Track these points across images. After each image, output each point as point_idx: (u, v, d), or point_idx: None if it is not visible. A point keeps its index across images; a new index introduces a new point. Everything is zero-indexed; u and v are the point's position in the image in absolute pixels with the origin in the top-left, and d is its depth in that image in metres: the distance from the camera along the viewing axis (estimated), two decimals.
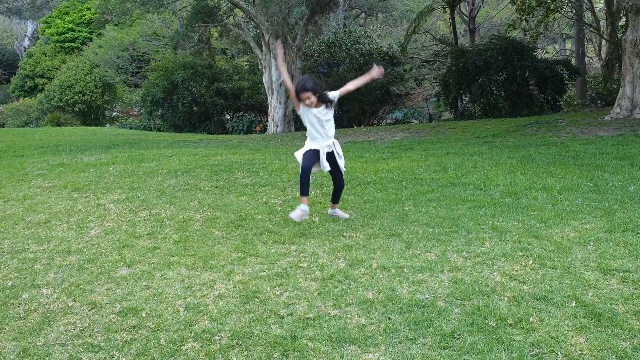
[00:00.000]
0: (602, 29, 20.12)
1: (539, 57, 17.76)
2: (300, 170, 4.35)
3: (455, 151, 8.41)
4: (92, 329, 2.89)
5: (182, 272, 3.64)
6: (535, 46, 17.97)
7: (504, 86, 16.44)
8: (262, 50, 18.03)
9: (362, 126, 19.70)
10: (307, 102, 4.22)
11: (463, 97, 18.25)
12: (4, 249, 4.40)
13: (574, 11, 19.63)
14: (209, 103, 22.16)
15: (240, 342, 2.66)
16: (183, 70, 21.77)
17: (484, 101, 16.59)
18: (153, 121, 24.25)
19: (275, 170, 7.36)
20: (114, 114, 31.09)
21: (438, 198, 5.29)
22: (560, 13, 18.32)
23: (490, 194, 5.33)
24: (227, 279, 3.48)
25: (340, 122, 20.63)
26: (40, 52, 34.90)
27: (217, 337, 2.72)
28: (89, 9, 32.94)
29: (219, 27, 19.44)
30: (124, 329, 2.86)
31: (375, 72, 4.42)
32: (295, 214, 4.27)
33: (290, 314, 2.92)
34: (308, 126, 4.38)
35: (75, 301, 3.27)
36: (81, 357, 2.62)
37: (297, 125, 19.80)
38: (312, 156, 4.37)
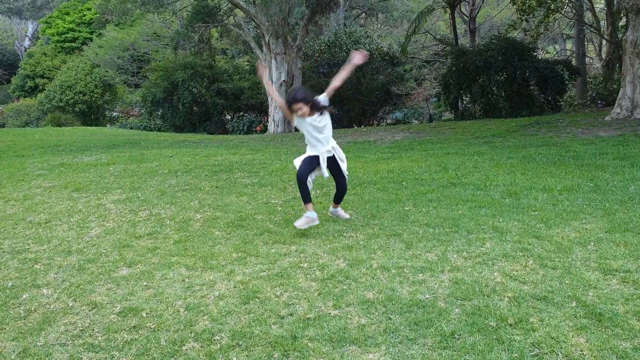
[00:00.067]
0: (602, 29, 20.12)
1: (540, 58, 17.76)
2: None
3: (455, 151, 8.41)
4: (93, 329, 2.89)
5: (183, 272, 3.65)
6: (535, 46, 17.97)
7: (504, 86, 16.44)
8: (262, 51, 18.03)
9: (362, 126, 19.70)
10: (299, 112, 4.17)
11: (463, 97, 18.25)
12: (4, 249, 4.40)
13: (574, 11, 19.63)
14: (210, 103, 22.17)
15: (241, 342, 2.67)
16: (183, 71, 21.78)
17: (484, 101, 16.59)
18: (153, 121, 24.26)
19: (276, 171, 7.36)
20: (115, 114, 31.11)
21: (438, 198, 5.29)
22: (560, 13, 18.32)
23: (491, 194, 5.33)
24: (227, 279, 3.48)
25: (341, 122, 20.63)
26: (40, 52, 34.93)
27: (217, 337, 2.72)
28: (89, 9, 32.97)
29: (219, 27, 19.45)
30: (124, 329, 2.86)
31: (357, 57, 4.31)
32: (299, 222, 4.26)
33: (290, 314, 2.92)
34: (306, 135, 4.37)
35: (75, 301, 3.27)
36: (81, 357, 2.62)
37: None
38: (310, 163, 4.35)
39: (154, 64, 25.29)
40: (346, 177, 4.57)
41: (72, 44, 34.39)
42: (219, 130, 22.60)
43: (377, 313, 2.88)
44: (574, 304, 2.84)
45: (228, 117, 24.19)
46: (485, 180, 6.01)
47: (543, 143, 8.65)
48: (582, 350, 2.41)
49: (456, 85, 17.16)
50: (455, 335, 2.59)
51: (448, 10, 20.77)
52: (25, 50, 41.37)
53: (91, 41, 31.73)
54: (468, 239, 3.97)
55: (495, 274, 3.30)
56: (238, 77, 23.44)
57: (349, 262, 3.64)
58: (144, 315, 3.02)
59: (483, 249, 3.75)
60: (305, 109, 4.17)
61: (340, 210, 4.74)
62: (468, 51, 17.55)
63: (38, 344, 2.77)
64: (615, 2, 17.28)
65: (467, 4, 22.65)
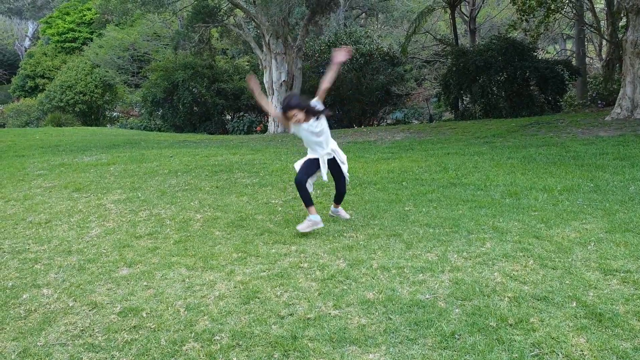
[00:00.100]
0: (602, 29, 20.11)
1: (540, 58, 17.75)
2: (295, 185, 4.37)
3: (455, 151, 8.41)
4: (93, 329, 2.89)
5: (183, 272, 3.65)
6: (535, 46, 17.96)
7: (504, 86, 16.43)
8: (262, 51, 18.03)
9: (362, 126, 19.70)
10: (295, 119, 4.14)
11: (463, 98, 18.24)
12: (4, 249, 4.40)
13: (574, 11, 19.62)
14: (210, 103, 22.17)
15: (241, 342, 2.67)
16: (184, 71, 21.77)
17: (484, 101, 16.58)
18: (153, 121, 24.26)
19: (276, 171, 7.36)
20: (115, 114, 31.11)
21: (438, 198, 5.29)
22: (560, 13, 18.32)
23: (491, 195, 5.33)
24: (227, 279, 3.48)
25: (341, 123, 20.62)
26: (40, 52, 34.93)
27: (217, 337, 2.72)
28: (89, 9, 32.97)
29: (219, 27, 19.45)
30: (124, 329, 2.86)
31: (339, 55, 4.27)
32: (303, 226, 4.26)
33: (290, 314, 2.92)
34: (304, 140, 4.38)
35: (75, 301, 3.27)
36: (82, 357, 2.62)
37: None
38: (310, 166, 4.36)
39: (154, 64, 25.29)
40: (347, 179, 4.57)
41: (73, 44, 34.39)
42: (219, 131, 22.60)
43: (377, 313, 2.88)
44: (574, 304, 2.84)
45: (228, 117, 24.19)
46: (486, 180, 6.00)
47: (543, 143, 8.65)
48: (582, 351, 2.41)
49: (456, 85, 17.16)
50: (456, 336, 2.59)
51: (448, 10, 20.77)
52: (26, 50, 41.38)
53: (91, 41, 31.73)
54: (468, 239, 3.97)
55: (495, 274, 3.30)
56: (238, 77, 23.45)
57: (349, 262, 3.64)
58: (144, 315, 3.02)
59: (483, 249, 3.75)
60: (301, 115, 4.14)
61: (341, 211, 4.75)
62: (468, 51, 17.55)
63: (38, 344, 2.77)
64: (615, 2, 17.28)
65: (467, 4, 22.64)
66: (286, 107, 4.15)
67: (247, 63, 25.95)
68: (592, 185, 5.47)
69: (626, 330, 2.56)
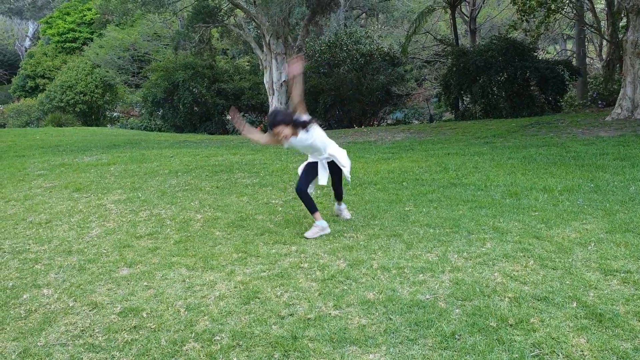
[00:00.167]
0: (603, 29, 20.10)
1: (540, 58, 17.74)
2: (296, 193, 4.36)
3: (456, 152, 8.41)
4: (93, 329, 2.89)
5: (183, 273, 3.65)
6: (536, 47, 17.95)
7: (504, 87, 16.43)
8: (262, 51, 18.04)
9: (362, 127, 19.69)
10: (282, 135, 4.09)
11: (464, 98, 18.24)
12: (5, 249, 4.40)
13: (574, 12, 19.62)
14: (210, 103, 22.18)
15: (241, 342, 2.67)
16: (184, 71, 21.79)
17: (484, 102, 16.58)
18: (154, 121, 24.27)
19: (276, 171, 7.37)
20: (115, 114, 31.13)
21: (439, 198, 5.29)
22: (561, 14, 18.31)
23: (491, 195, 5.33)
24: (227, 279, 3.48)
25: (341, 123, 20.62)
26: (41, 53, 34.96)
27: (217, 338, 2.72)
28: (89, 9, 32.99)
29: (219, 27, 19.46)
30: (124, 329, 2.86)
31: (294, 67, 4.12)
32: (310, 233, 4.25)
33: (291, 315, 2.92)
34: (302, 152, 4.42)
35: (76, 301, 3.27)
36: (82, 358, 2.62)
37: None
38: (310, 171, 4.36)
39: (154, 64, 25.31)
40: (348, 180, 4.57)
41: (73, 44, 34.42)
42: (220, 131, 22.61)
43: (377, 313, 2.88)
44: (575, 305, 2.84)
45: (229, 117, 24.18)
46: (486, 180, 6.00)
47: (543, 143, 8.65)
48: (582, 351, 2.41)
49: (457, 85, 17.16)
50: (456, 336, 2.59)
51: (448, 10, 20.76)
52: (26, 51, 41.42)
53: (92, 41, 31.76)
54: (468, 240, 3.97)
55: (495, 274, 3.30)
56: (239, 77, 23.46)
57: (349, 262, 3.64)
58: (145, 315, 3.02)
59: (483, 249, 3.75)
60: (287, 130, 4.08)
61: (344, 210, 4.75)
62: (468, 51, 17.55)
63: (38, 344, 2.77)
64: (615, 3, 17.28)
65: (467, 4, 22.64)
66: (272, 124, 4.08)
67: (247, 63, 25.97)
68: (592, 185, 5.47)
69: (626, 331, 2.56)
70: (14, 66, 40.99)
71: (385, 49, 21.84)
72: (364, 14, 31.54)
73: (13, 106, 30.58)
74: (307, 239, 4.21)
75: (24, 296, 3.39)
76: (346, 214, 4.75)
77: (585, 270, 3.28)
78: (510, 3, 17.59)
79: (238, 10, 18.69)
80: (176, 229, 4.74)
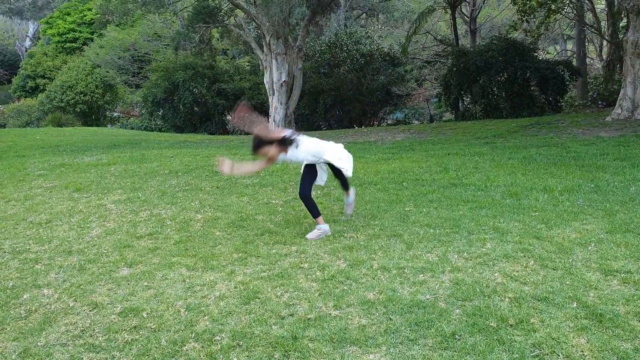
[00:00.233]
0: (603, 29, 20.10)
1: (540, 58, 17.74)
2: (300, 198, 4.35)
3: (456, 152, 8.41)
4: (93, 329, 2.89)
5: (183, 273, 3.65)
6: (536, 47, 17.95)
7: (505, 87, 16.43)
8: (263, 51, 18.03)
9: (363, 127, 19.69)
10: (270, 155, 4.11)
11: (464, 98, 18.24)
12: (5, 249, 4.40)
13: (575, 12, 19.61)
14: (210, 103, 22.17)
15: (241, 342, 2.67)
16: (184, 71, 21.78)
17: (485, 102, 16.58)
18: (154, 122, 24.26)
19: (276, 171, 7.37)
20: (115, 114, 31.12)
21: (439, 199, 5.29)
22: (561, 14, 18.31)
23: (491, 195, 5.33)
24: (228, 279, 3.48)
25: (341, 123, 20.62)
26: (41, 53, 34.96)
27: (218, 338, 2.72)
28: (90, 9, 32.99)
29: (220, 27, 19.45)
30: (125, 329, 2.87)
31: (223, 170, 4.20)
32: (312, 235, 4.27)
33: (291, 315, 2.92)
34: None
35: (76, 301, 3.27)
36: (82, 358, 2.62)
37: (298, 125, 19.81)
38: (310, 173, 4.33)
39: (154, 65, 25.30)
40: (349, 177, 4.53)
41: (73, 44, 34.42)
42: (220, 131, 22.60)
43: (377, 313, 2.88)
44: (575, 305, 2.84)
45: (229, 117, 24.18)
46: (486, 180, 6.00)
47: (544, 144, 8.65)
48: (582, 351, 2.41)
49: (457, 85, 17.16)
50: (456, 336, 2.59)
51: (449, 10, 20.76)
52: (26, 51, 41.43)
53: (92, 41, 31.75)
54: (469, 240, 3.97)
55: (496, 274, 3.30)
56: (239, 77, 23.45)
57: (349, 262, 3.64)
58: (145, 315, 3.02)
59: (484, 249, 3.75)
60: (274, 150, 4.10)
61: (352, 195, 4.67)
62: (469, 52, 17.55)
63: (39, 344, 2.77)
64: (615, 3, 17.28)
65: (467, 4, 22.63)
66: (255, 147, 4.12)
67: (247, 63, 25.95)
68: (592, 185, 5.47)
69: (627, 331, 2.56)
70: (14, 66, 41.01)
71: (386, 49, 21.84)
72: (364, 14, 31.53)
73: (13, 106, 30.58)
74: (308, 239, 4.22)
75: (24, 296, 3.39)
76: (352, 197, 4.67)
77: (586, 271, 3.28)
78: (511, 3, 17.59)
79: (238, 10, 18.69)
80: (176, 229, 4.74)
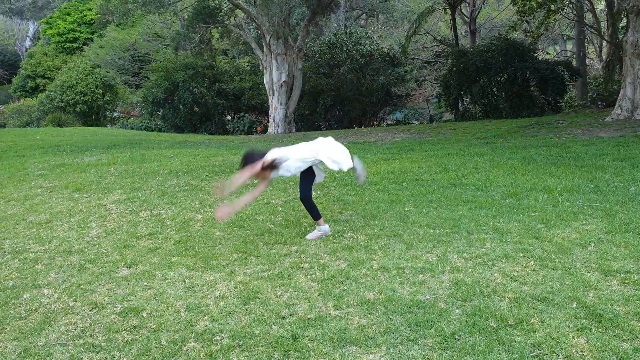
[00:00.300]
0: (602, 30, 20.11)
1: (540, 58, 17.74)
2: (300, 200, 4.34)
3: (456, 152, 8.41)
4: (93, 329, 2.89)
5: (183, 273, 3.65)
6: (536, 47, 17.95)
7: (504, 87, 16.43)
8: (263, 51, 18.03)
9: (362, 127, 19.69)
10: (260, 178, 4.15)
11: (464, 98, 18.24)
12: (5, 249, 4.40)
13: (574, 12, 19.62)
14: (210, 104, 22.17)
15: (241, 342, 2.67)
16: (184, 71, 21.78)
17: (484, 102, 16.58)
18: (154, 122, 24.25)
19: None
20: (115, 114, 31.10)
21: (439, 199, 5.30)
22: (561, 14, 18.31)
23: (491, 195, 5.33)
24: (228, 279, 3.48)
25: (341, 123, 20.62)
26: (41, 53, 34.95)
27: (218, 338, 2.73)
28: (90, 9, 33.00)
29: (220, 27, 19.45)
30: (125, 329, 2.87)
31: (217, 215, 4.27)
32: (312, 235, 4.28)
33: (291, 315, 2.92)
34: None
35: (76, 301, 3.27)
36: (82, 357, 2.62)
37: (298, 125, 19.81)
38: (308, 176, 4.31)
39: (154, 65, 25.30)
40: (343, 170, 4.41)
41: (73, 44, 34.42)
42: (220, 131, 22.60)
43: (377, 313, 2.88)
44: (575, 305, 2.84)
45: (229, 117, 24.18)
46: (486, 181, 6.01)
47: (543, 144, 8.66)
48: (582, 351, 2.41)
49: (456, 86, 17.16)
50: (456, 336, 2.59)
51: (448, 11, 20.77)
52: (26, 51, 41.42)
53: (92, 41, 31.75)
54: (468, 240, 3.98)
55: (495, 274, 3.30)
56: (239, 77, 23.44)
57: (349, 262, 3.64)
58: (145, 315, 3.02)
59: (483, 249, 3.76)
60: (264, 174, 4.12)
61: (358, 164, 4.48)
62: (468, 52, 17.55)
63: (39, 344, 2.77)
64: (615, 3, 17.29)
65: (467, 4, 22.64)
66: (244, 165, 4.11)
67: (247, 64, 25.96)
68: (592, 186, 5.47)
69: (626, 331, 2.56)
70: (15, 66, 41.00)
71: (385, 50, 21.85)
72: (364, 14, 31.54)
73: (13, 106, 30.57)
74: (308, 240, 4.23)
75: (24, 296, 3.39)
76: (359, 167, 4.51)
77: (585, 271, 3.28)
78: (510, 4, 17.60)
79: (238, 10, 18.69)
80: (176, 229, 4.74)
